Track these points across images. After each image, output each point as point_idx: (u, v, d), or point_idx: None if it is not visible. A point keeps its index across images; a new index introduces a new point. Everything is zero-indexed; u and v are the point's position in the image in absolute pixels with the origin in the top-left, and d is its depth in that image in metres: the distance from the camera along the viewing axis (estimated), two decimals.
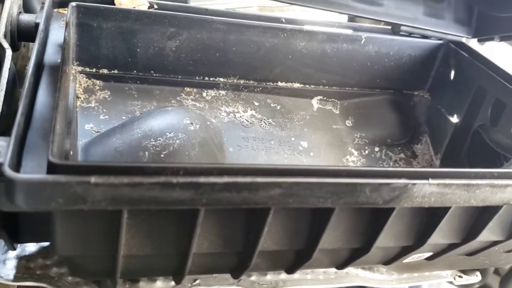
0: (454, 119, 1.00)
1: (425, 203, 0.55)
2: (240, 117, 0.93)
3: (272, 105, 0.98)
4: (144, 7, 0.88)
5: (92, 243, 0.51)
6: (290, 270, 0.66)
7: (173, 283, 0.69)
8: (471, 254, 0.74)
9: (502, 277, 1.33)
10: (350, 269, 0.82)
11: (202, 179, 0.46)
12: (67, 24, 0.72)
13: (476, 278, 0.98)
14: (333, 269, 0.80)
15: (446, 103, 1.02)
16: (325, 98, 1.03)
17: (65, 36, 0.69)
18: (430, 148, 1.04)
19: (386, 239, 0.62)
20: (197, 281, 0.70)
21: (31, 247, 0.70)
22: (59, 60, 0.68)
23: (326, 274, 0.79)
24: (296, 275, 0.76)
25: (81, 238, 0.50)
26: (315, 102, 1.02)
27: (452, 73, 1.01)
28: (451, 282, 0.96)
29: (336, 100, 1.03)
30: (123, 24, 0.84)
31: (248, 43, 0.91)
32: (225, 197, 0.48)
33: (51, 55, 0.71)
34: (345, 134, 1.00)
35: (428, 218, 0.62)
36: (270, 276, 0.74)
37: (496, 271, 1.42)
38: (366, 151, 1.00)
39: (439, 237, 0.64)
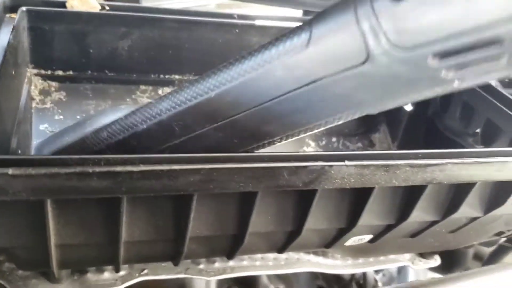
0: (408, 107, 1.02)
1: (346, 184, 0.57)
2: None
3: None
4: (95, 9, 0.90)
5: (23, 234, 0.53)
6: (230, 256, 0.68)
7: (121, 273, 0.72)
8: (413, 235, 0.76)
9: (483, 263, 1.35)
10: (301, 255, 0.84)
11: (118, 168, 0.48)
12: (14, 28, 0.75)
13: (435, 261, 1.00)
14: (284, 255, 0.82)
15: None
16: None
17: (10, 39, 0.71)
18: (388, 137, 1.06)
19: (318, 221, 0.64)
20: (145, 271, 0.72)
21: None
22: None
23: (276, 260, 0.81)
24: (245, 261, 0.79)
25: (11, 229, 0.52)
26: None
27: None
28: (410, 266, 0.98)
29: None
30: (75, 26, 0.86)
31: (201, 39, 0.94)
32: (145, 185, 0.50)
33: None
34: None
35: (355, 200, 0.64)
36: (218, 264, 0.77)
37: (477, 257, 1.44)
38: (323, 142, 1.02)
39: (371, 218, 0.66)
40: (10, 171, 0.45)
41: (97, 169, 0.48)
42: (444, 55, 0.35)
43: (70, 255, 0.58)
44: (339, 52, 0.42)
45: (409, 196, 0.66)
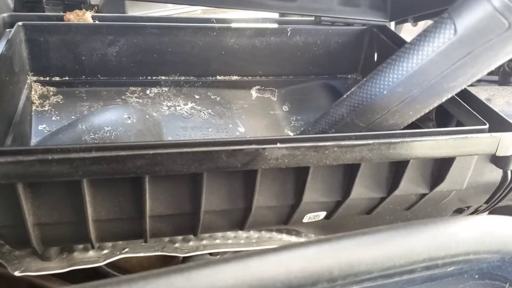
0: None
1: (280, 164, 0.65)
2: (181, 109, 1.05)
3: (212, 97, 1.09)
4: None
5: (5, 214, 0.63)
6: (194, 233, 0.76)
7: (105, 251, 0.82)
8: (368, 212, 0.83)
9: None
10: (273, 234, 0.92)
11: (73, 155, 0.58)
12: (8, 41, 0.85)
13: None
14: (256, 234, 0.90)
15: None
16: (263, 87, 1.13)
17: (2, 51, 0.82)
18: None
19: (266, 199, 0.72)
20: (126, 249, 0.82)
21: None
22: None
23: (247, 239, 0.89)
24: (218, 240, 0.87)
25: None
26: (253, 92, 1.12)
27: (376, 56, 1.10)
28: None
29: (273, 89, 1.14)
30: (67, 36, 0.97)
31: (182, 43, 1.03)
32: (98, 169, 0.59)
33: None
34: (282, 118, 1.10)
35: (297, 178, 0.71)
36: (192, 242, 0.86)
37: None
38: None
39: (316, 195, 0.74)
40: None
41: (56, 156, 0.57)
42: None
43: (48, 233, 0.68)
44: (482, 31, 0.62)
45: (349, 175, 0.73)
